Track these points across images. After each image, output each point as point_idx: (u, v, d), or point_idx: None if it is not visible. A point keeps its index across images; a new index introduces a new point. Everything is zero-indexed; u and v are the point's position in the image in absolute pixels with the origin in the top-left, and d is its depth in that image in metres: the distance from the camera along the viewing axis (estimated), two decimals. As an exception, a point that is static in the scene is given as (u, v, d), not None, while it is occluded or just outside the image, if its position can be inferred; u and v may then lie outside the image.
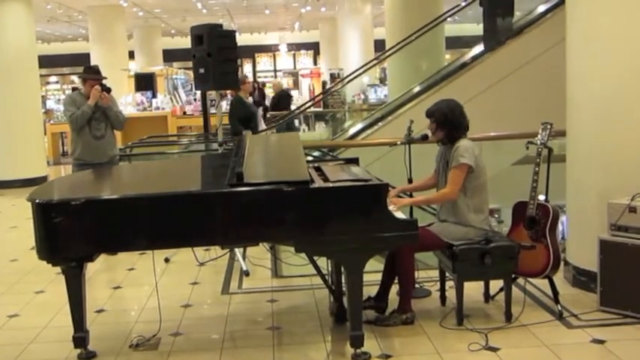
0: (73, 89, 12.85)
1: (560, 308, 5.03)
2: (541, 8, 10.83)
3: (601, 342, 4.55)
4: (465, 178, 4.94)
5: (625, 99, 5.22)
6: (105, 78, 7.45)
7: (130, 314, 5.65)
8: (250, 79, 11.66)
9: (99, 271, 6.81)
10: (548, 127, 5.18)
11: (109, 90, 7.23)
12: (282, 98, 18.81)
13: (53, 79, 33.40)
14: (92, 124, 7.19)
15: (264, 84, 24.68)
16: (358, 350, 4.35)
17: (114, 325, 5.36)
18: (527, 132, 5.79)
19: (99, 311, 5.59)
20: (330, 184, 4.49)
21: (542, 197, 5.21)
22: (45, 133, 15.23)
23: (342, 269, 4.67)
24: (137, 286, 6.35)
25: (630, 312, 4.89)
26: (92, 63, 22.39)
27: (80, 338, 4.53)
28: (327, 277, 5.30)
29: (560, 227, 5.53)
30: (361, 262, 4.30)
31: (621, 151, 5.25)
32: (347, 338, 4.40)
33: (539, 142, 5.15)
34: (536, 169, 5.09)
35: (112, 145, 7.52)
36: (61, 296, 4.77)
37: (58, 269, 4.56)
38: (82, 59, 22.04)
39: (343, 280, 4.72)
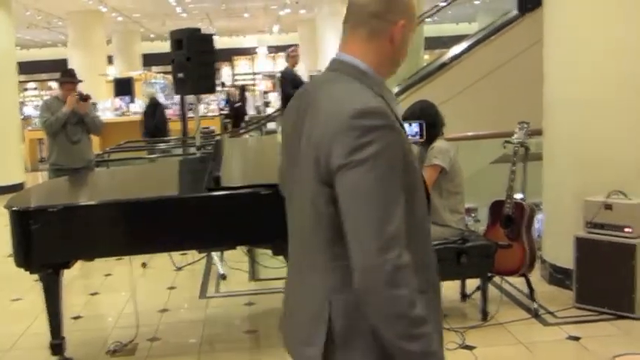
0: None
1: (536, 306, 5.06)
2: (517, 10, 10.88)
3: (576, 339, 4.59)
4: (441, 179, 4.95)
5: (600, 99, 5.25)
6: (81, 81, 7.43)
7: (107, 320, 5.62)
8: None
9: (76, 277, 6.76)
10: (525, 126, 5.22)
11: (86, 98, 7.17)
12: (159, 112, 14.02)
13: (31, 85, 33.18)
14: (68, 129, 7.15)
15: (245, 87, 24.58)
16: (335, 351, 4.34)
17: (91, 332, 5.34)
18: (505, 131, 5.81)
19: (76, 318, 5.57)
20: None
21: (519, 196, 5.24)
22: (23, 140, 15.14)
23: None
24: (114, 291, 6.33)
25: (606, 309, 4.93)
26: (71, 68, 22.36)
27: (57, 345, 4.49)
28: (304, 279, 5.29)
29: (536, 225, 5.57)
30: (338, 264, 4.29)
31: (597, 149, 5.28)
32: (324, 340, 4.39)
33: (515, 141, 5.19)
34: (513, 167, 5.12)
35: (89, 149, 7.48)
36: (37, 303, 4.75)
37: (35, 277, 4.52)
38: (61, 65, 21.88)
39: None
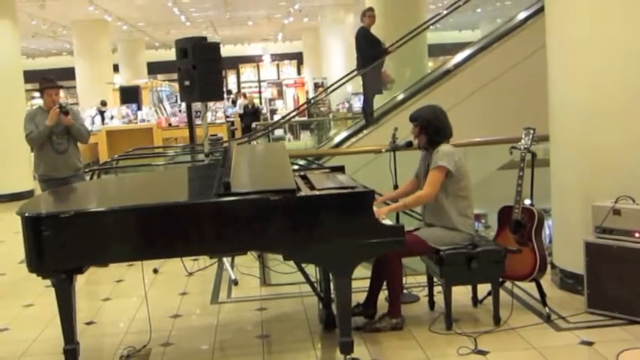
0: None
1: (548, 311, 5.07)
2: (522, 15, 10.94)
3: (589, 344, 4.59)
4: (447, 182, 4.99)
5: (606, 103, 5.26)
6: (62, 86, 7.37)
7: (120, 326, 5.63)
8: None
9: (88, 283, 6.80)
10: (531, 132, 5.23)
11: (67, 112, 7.04)
12: None
13: (38, 94, 33.27)
14: (53, 140, 7.05)
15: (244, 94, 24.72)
16: (348, 356, 4.36)
17: (104, 337, 5.38)
18: (511, 137, 5.84)
19: (88, 323, 5.60)
20: (317, 192, 4.50)
21: (527, 201, 5.25)
22: (31, 148, 15.17)
23: (331, 276, 4.69)
24: (126, 297, 6.36)
25: (617, 313, 4.93)
26: (77, 77, 22.50)
27: (71, 350, 4.50)
28: (315, 284, 5.32)
29: (546, 231, 5.58)
30: (349, 269, 4.31)
31: (604, 154, 5.30)
32: (336, 345, 4.40)
33: (522, 147, 5.20)
34: (520, 173, 5.14)
35: (76, 158, 7.32)
36: (50, 309, 4.77)
37: (46, 282, 4.54)
38: (67, 73, 22.01)
39: (332, 287, 4.74)
